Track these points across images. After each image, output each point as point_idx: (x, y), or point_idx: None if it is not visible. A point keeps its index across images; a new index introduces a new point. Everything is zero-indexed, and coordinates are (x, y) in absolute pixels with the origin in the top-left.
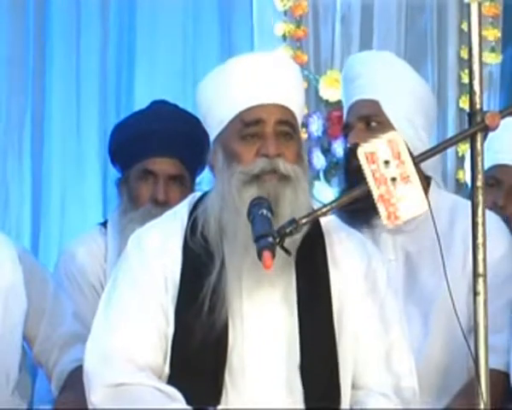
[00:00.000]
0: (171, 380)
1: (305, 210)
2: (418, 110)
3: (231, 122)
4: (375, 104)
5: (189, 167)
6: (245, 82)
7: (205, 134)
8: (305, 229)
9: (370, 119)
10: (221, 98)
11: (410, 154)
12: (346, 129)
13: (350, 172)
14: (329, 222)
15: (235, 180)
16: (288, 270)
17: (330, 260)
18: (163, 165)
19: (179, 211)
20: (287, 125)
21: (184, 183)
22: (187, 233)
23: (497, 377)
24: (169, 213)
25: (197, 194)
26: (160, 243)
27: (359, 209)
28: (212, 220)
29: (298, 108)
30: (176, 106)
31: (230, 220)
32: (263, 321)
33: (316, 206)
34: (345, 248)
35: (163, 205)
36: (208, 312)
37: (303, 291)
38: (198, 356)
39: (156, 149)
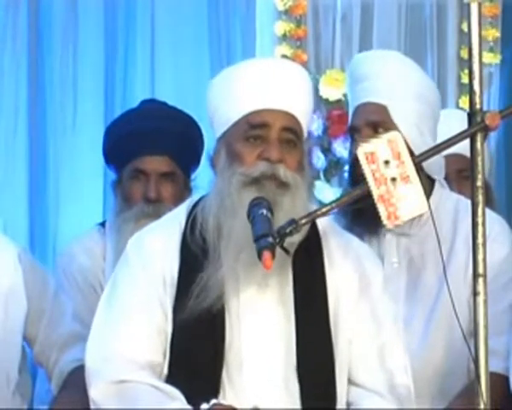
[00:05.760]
0: (170, 378)
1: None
2: (426, 114)
3: (237, 123)
4: (383, 110)
5: (180, 164)
6: (255, 85)
7: (197, 130)
8: (304, 232)
9: (378, 125)
10: (230, 98)
11: (411, 154)
12: (352, 131)
13: (356, 179)
14: (327, 226)
15: (235, 181)
16: (285, 271)
17: (327, 263)
18: (153, 163)
19: (178, 213)
20: (291, 133)
21: (176, 179)
22: (186, 232)
23: (496, 380)
24: (168, 216)
25: (195, 197)
26: (159, 244)
27: (363, 210)
28: (211, 218)
29: (305, 117)
30: (165, 104)
31: (227, 221)
32: (260, 320)
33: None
34: (341, 252)
35: (155, 203)
36: (205, 310)
37: (300, 292)
38: (196, 354)
39: (145, 147)
